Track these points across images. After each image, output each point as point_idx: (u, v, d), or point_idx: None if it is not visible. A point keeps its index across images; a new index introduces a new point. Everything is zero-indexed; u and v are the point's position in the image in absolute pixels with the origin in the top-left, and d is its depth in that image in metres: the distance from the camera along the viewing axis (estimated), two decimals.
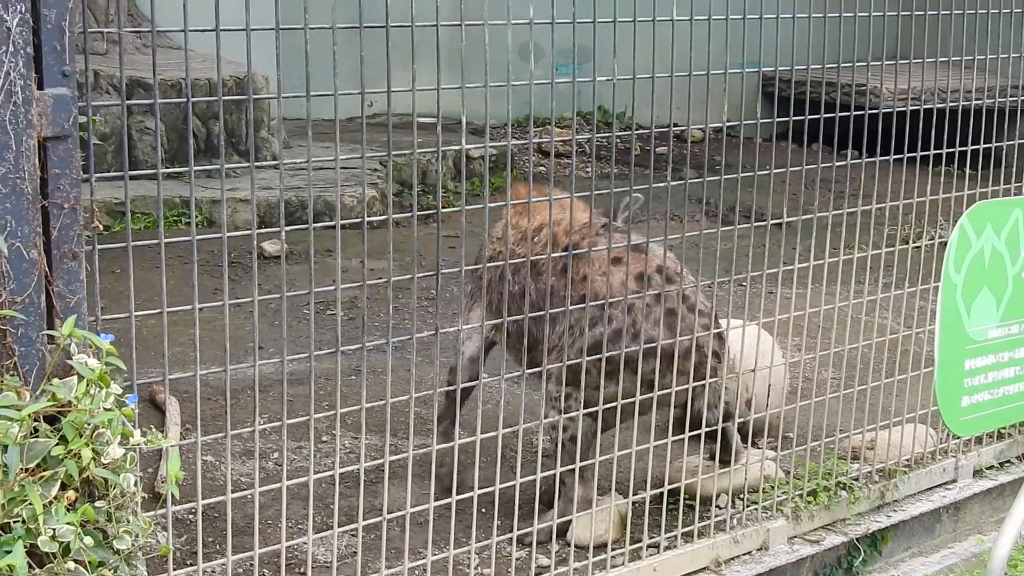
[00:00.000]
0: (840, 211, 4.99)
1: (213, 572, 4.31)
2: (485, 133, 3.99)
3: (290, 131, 10.61)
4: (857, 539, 5.15)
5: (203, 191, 9.12)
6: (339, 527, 3.96)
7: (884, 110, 5.10)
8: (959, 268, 4.98)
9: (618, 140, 12.04)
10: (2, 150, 3.06)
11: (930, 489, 5.59)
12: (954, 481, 5.69)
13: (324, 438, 5.60)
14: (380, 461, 3.96)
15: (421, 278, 3.97)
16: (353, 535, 4.59)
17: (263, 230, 3.73)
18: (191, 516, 4.63)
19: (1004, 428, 5.83)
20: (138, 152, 9.50)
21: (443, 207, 3.93)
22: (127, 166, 3.43)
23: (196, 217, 8.93)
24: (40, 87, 3.15)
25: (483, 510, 4.62)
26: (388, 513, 3.95)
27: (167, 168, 8.92)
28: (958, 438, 5.64)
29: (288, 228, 3.62)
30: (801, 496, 5.07)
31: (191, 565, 3.69)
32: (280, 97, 3.55)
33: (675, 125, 4.45)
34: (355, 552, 4.54)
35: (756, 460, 5.08)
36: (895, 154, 5.21)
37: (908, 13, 5.12)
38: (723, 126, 4.56)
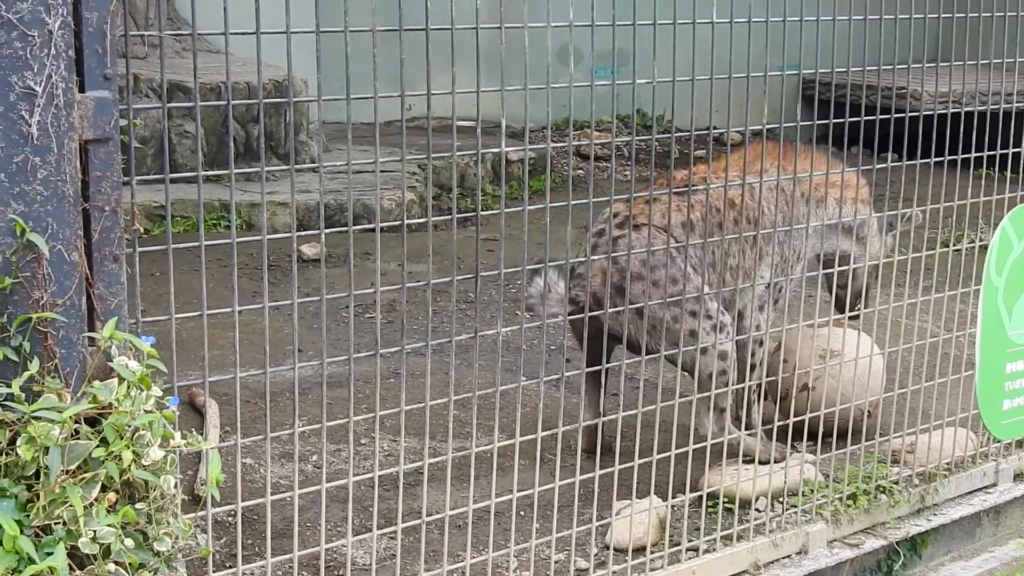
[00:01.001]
0: (880, 214, 4.97)
1: (252, 574, 4.32)
2: (524, 136, 3.99)
3: (329, 135, 10.64)
4: (897, 543, 5.12)
5: (242, 195, 9.16)
6: (378, 530, 3.97)
7: (924, 112, 5.07)
8: (1000, 271, 4.95)
9: (657, 143, 12.07)
10: (44, 153, 3.08)
11: (970, 493, 5.55)
12: (994, 485, 5.64)
13: (363, 441, 5.61)
14: (419, 464, 3.96)
15: (460, 281, 3.97)
16: (391, 538, 4.60)
17: (302, 232, 3.76)
18: (230, 519, 4.65)
19: None
20: (177, 156, 9.55)
21: (482, 210, 3.94)
22: (168, 169, 3.45)
23: (235, 220, 9.03)
24: (81, 90, 3.17)
25: (522, 513, 4.63)
26: (427, 516, 3.95)
27: (206, 172, 8.95)
28: (999, 442, 5.60)
29: (327, 231, 3.63)
30: (841, 499, 5.05)
31: (230, 567, 3.71)
32: (320, 100, 3.56)
33: (713, 128, 4.43)
34: (394, 555, 4.55)
35: (796, 463, 5.05)
36: (935, 157, 5.18)
37: (948, 15, 5.09)
38: (763, 129, 4.55)
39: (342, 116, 3.56)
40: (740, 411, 5.40)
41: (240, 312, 3.55)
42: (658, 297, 4.80)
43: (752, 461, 4.95)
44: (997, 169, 5.40)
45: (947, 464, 5.46)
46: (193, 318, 3.46)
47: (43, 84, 3.07)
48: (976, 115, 5.18)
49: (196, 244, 3.42)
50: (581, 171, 11.41)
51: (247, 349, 3.50)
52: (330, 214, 9.12)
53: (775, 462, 5.13)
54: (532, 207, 4.03)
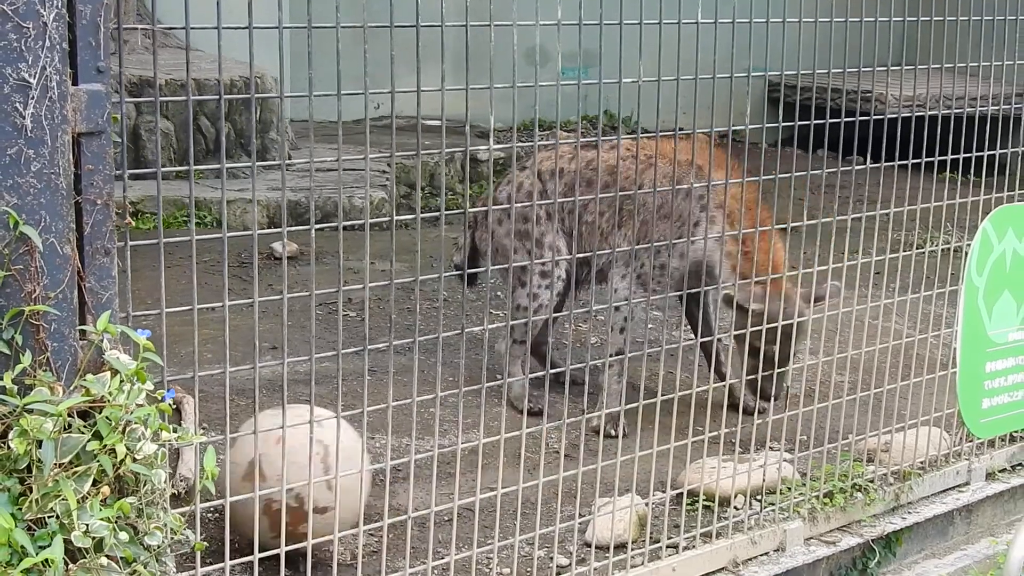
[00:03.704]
0: (845, 216, 5.00)
1: (237, 570, 4.31)
2: (490, 136, 3.97)
3: (298, 132, 10.62)
4: (872, 541, 5.16)
5: (212, 191, 9.12)
6: (363, 525, 3.98)
7: (890, 116, 5.10)
8: (981, 271, 4.99)
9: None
10: (37, 145, 3.07)
11: (944, 491, 5.61)
12: (967, 484, 5.70)
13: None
14: (405, 460, 3.96)
15: (430, 280, 3.97)
16: (371, 534, 4.60)
17: (269, 231, 3.76)
18: (210, 515, 4.63)
19: (1017, 431, 5.84)
20: (147, 152, 9.49)
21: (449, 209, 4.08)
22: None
23: (206, 217, 8.99)
24: (75, 83, 3.16)
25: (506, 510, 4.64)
26: (412, 512, 3.96)
27: (175, 168, 8.91)
28: (971, 441, 5.66)
29: (291, 228, 3.62)
30: (817, 498, 5.08)
31: (211, 563, 3.69)
32: (283, 96, 3.55)
33: (680, 130, 4.44)
34: (375, 552, 4.55)
35: (773, 461, 5.09)
36: (900, 160, 5.22)
37: (914, 19, 5.12)
38: (728, 131, 4.57)
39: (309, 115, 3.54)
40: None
41: (214, 309, 3.55)
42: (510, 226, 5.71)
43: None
44: (961, 172, 5.44)
45: (921, 463, 5.51)
46: (173, 314, 3.44)
47: (37, 76, 3.05)
48: (941, 119, 5.22)
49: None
50: None
51: (221, 347, 3.49)
52: (300, 212, 9.08)
53: (526, 413, 5.65)
54: (498, 208, 4.03)
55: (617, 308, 5.73)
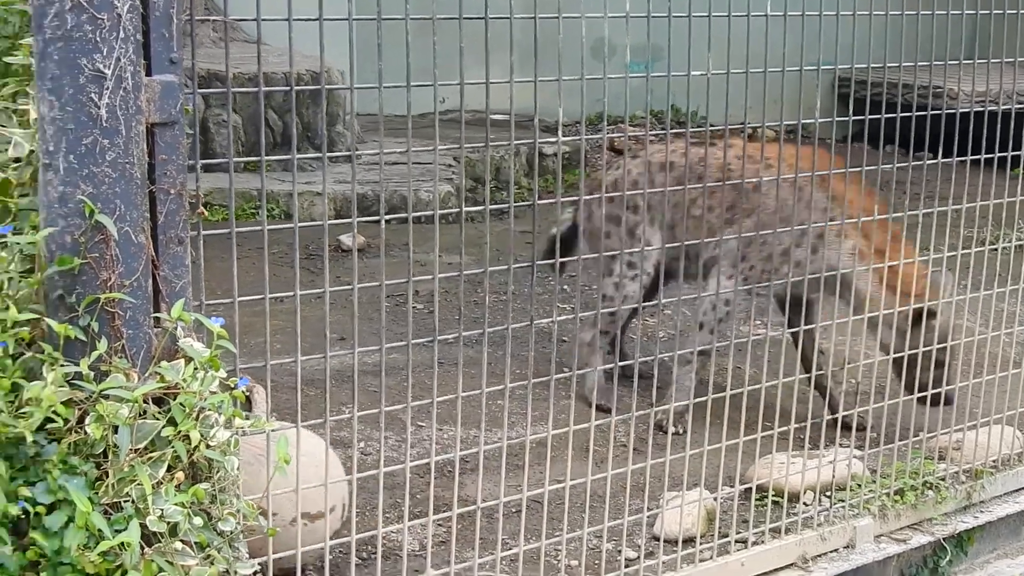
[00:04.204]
0: (915, 212, 4.95)
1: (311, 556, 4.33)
2: (558, 129, 3.96)
3: (364, 126, 10.66)
4: (943, 539, 5.10)
5: (280, 184, 9.19)
6: (427, 516, 3.98)
7: (961, 111, 5.05)
8: None
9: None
10: (112, 135, 3.10)
11: (1016, 491, 5.53)
12: None
13: (411, 428, 5.60)
14: (473, 451, 3.97)
15: (497, 273, 3.97)
16: (440, 524, 4.61)
17: (338, 221, 3.78)
18: None
19: None
20: (216, 145, 9.57)
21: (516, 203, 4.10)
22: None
23: (274, 210, 9.04)
24: (148, 73, 3.18)
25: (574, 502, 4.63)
26: (480, 503, 3.97)
27: (244, 159, 8.98)
28: None
29: (360, 219, 3.63)
30: (888, 495, 5.04)
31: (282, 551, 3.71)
32: (353, 88, 3.56)
33: (747, 124, 4.41)
34: (443, 542, 4.56)
35: (843, 458, 5.05)
36: (971, 156, 5.15)
37: (986, 12, 5.05)
38: (798, 125, 4.53)
39: (379, 107, 3.55)
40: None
41: (284, 300, 3.57)
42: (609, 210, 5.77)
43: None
44: None
45: (993, 462, 5.45)
46: (241, 304, 3.45)
47: (112, 67, 3.08)
48: (1013, 114, 5.15)
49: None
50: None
51: (291, 337, 3.51)
52: (368, 204, 9.11)
53: (594, 407, 5.66)
54: (566, 199, 4.03)
55: (714, 307, 5.70)
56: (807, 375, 5.87)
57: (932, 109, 4.84)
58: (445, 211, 9.13)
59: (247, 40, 10.19)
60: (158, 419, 3.07)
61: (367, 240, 8.10)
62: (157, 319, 3.22)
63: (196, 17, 3.35)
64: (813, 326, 5.82)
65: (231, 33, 3.44)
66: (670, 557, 4.46)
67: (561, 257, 5.46)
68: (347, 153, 4.13)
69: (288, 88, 3.46)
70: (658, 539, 4.63)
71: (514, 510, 4.52)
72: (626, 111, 4.17)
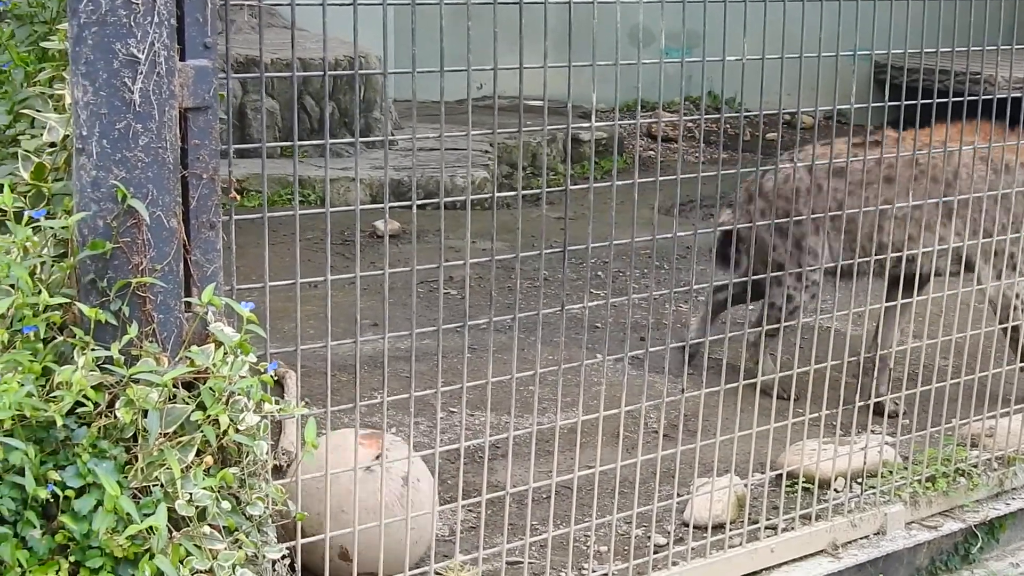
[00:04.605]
0: (950, 198, 4.92)
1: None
2: (592, 115, 3.96)
3: (400, 112, 10.67)
4: (975, 526, 5.09)
5: (316, 170, 9.21)
6: (460, 501, 4.00)
7: (999, 97, 5.01)
8: None
9: (727, 125, 12.03)
10: (145, 120, 3.12)
11: None
12: None
13: (440, 414, 5.62)
14: (504, 436, 3.98)
15: (529, 259, 3.98)
16: (470, 510, 4.63)
17: (371, 206, 3.80)
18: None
19: None
20: (252, 130, 9.60)
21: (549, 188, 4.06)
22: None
23: (309, 196, 9.07)
24: (182, 58, 3.20)
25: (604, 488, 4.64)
26: (510, 488, 3.98)
27: (280, 144, 9.01)
28: None
29: (392, 205, 3.64)
30: (919, 482, 5.02)
31: (313, 535, 3.74)
32: (386, 73, 3.56)
33: (784, 111, 4.39)
34: (472, 527, 4.58)
35: (875, 444, 5.04)
36: None
37: None
38: (834, 111, 4.51)
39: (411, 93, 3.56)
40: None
41: (316, 285, 3.58)
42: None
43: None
44: None
45: None
46: (273, 289, 3.47)
47: (146, 51, 3.10)
48: None
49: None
50: (651, 152, 11.38)
51: (323, 322, 3.52)
52: (403, 191, 9.13)
53: (775, 397, 5.30)
54: (599, 185, 4.03)
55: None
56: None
57: (970, 95, 4.81)
58: (477, 197, 9.15)
59: (285, 26, 10.21)
60: (188, 403, 3.09)
61: (401, 226, 8.12)
62: (188, 303, 3.24)
63: (231, 2, 3.36)
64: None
65: (270, 19, 3.45)
66: (700, 543, 4.46)
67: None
68: (380, 139, 4.13)
69: (322, 74, 3.46)
70: (688, 525, 4.64)
71: (544, 496, 4.52)
72: (660, 97, 4.16)
